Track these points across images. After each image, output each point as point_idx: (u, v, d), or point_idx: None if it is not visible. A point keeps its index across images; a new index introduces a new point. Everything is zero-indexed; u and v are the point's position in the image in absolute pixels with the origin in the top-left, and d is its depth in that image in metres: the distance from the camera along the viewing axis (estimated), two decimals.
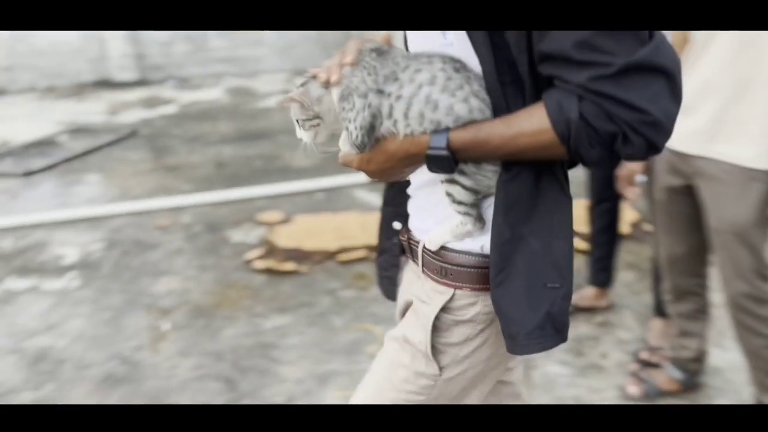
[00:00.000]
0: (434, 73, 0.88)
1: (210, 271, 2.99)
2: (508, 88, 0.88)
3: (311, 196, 3.85)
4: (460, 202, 0.96)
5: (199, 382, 2.18)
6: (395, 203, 1.16)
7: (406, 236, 1.12)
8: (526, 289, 0.93)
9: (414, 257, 1.10)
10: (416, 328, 1.03)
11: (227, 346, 2.39)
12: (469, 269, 1.00)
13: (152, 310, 2.67)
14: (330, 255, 3.06)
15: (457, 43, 0.91)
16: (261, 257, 3.07)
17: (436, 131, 0.89)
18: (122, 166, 4.58)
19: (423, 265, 1.05)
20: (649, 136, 0.80)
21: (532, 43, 0.83)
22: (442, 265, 1.01)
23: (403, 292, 1.17)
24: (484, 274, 0.97)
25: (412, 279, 1.13)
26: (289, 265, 2.96)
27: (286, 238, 3.22)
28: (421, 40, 0.96)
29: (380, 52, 0.93)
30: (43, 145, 5.14)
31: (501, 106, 0.89)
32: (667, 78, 0.79)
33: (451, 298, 1.00)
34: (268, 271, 2.95)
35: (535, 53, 0.83)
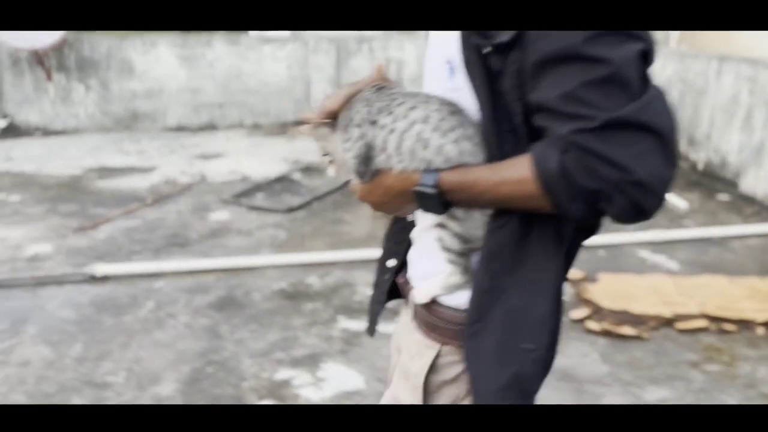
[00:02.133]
0: (429, 112, 0.89)
1: None
2: (505, 136, 0.87)
3: (594, 252, 3.76)
4: (448, 249, 0.95)
5: None
6: (396, 240, 1.16)
7: (403, 280, 1.11)
8: (498, 345, 0.90)
9: (408, 302, 1.09)
10: (405, 390, 1.02)
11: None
12: (455, 326, 0.98)
13: None
14: (665, 321, 2.94)
15: (463, 87, 0.90)
16: (588, 317, 2.99)
17: (427, 170, 0.90)
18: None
19: (414, 315, 1.05)
20: (633, 197, 0.75)
21: (525, 93, 0.82)
22: (429, 319, 1.01)
23: (397, 339, 1.16)
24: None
25: (405, 325, 1.11)
26: (627, 329, 2.87)
27: (604, 298, 3.13)
28: (431, 85, 0.97)
29: (379, 87, 0.96)
30: (284, 182, 5.34)
31: (497, 155, 0.88)
32: (655, 137, 0.75)
33: (438, 354, 0.99)
34: (606, 334, 2.86)
35: (528, 103, 0.82)
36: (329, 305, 3.19)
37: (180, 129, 7.29)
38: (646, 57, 0.79)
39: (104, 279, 3.46)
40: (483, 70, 0.86)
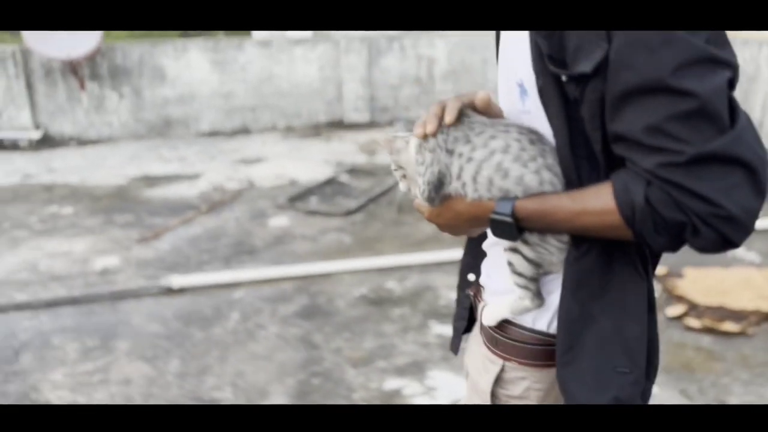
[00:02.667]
0: (509, 141, 0.87)
1: None
2: (582, 162, 0.85)
3: None
4: (519, 274, 0.94)
5: None
6: (473, 254, 1.14)
7: (474, 291, 1.11)
8: (595, 371, 0.89)
9: (477, 315, 1.08)
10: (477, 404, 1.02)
11: None
12: (518, 343, 0.98)
13: None
14: (766, 316, 2.90)
15: (534, 111, 0.89)
16: (686, 314, 2.95)
17: (503, 198, 0.88)
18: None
19: (481, 328, 1.05)
20: (722, 230, 0.74)
21: (605, 121, 0.79)
22: (494, 334, 1.01)
23: (469, 355, 1.15)
24: (532, 350, 0.97)
25: (475, 337, 1.11)
26: (730, 326, 2.82)
27: (697, 293, 3.09)
28: (504, 104, 0.95)
29: (462, 114, 0.92)
30: (334, 185, 5.30)
31: (573, 181, 0.86)
32: (746, 170, 0.73)
33: (502, 369, 1.00)
34: (708, 330, 2.82)
35: (608, 132, 0.80)
36: (416, 310, 3.15)
37: (214, 134, 7.26)
38: (732, 83, 0.76)
39: (181, 291, 3.42)
40: (560, 97, 0.83)
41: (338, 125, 7.43)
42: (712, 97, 0.73)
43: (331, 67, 7.36)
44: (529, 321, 0.97)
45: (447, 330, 2.94)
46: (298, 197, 4.93)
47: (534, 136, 0.89)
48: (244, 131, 7.34)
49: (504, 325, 1.00)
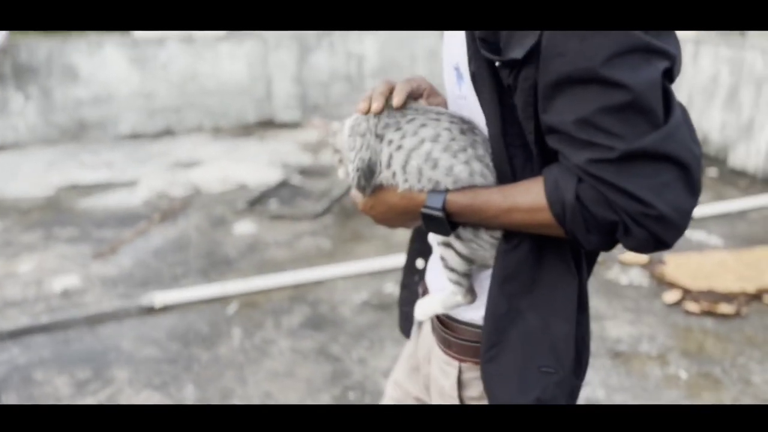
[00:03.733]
0: (439, 131, 0.85)
1: (648, 315, 3.01)
2: (516, 152, 0.82)
3: None
4: (452, 269, 0.92)
5: None
6: (421, 240, 1.13)
7: (423, 288, 1.10)
8: (518, 369, 0.86)
9: None
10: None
11: None
12: (471, 343, 0.95)
13: (618, 355, 2.68)
14: (752, 296, 3.10)
15: (470, 96, 0.86)
16: (683, 299, 3.10)
17: (434, 191, 0.86)
18: None
19: (432, 328, 1.03)
20: (653, 230, 0.71)
21: (538, 111, 0.76)
22: (444, 335, 0.98)
23: (422, 345, 1.12)
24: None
25: (429, 336, 1.09)
26: (725, 308, 3.00)
27: (685, 279, 3.25)
28: (446, 89, 0.94)
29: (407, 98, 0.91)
30: (288, 187, 5.11)
31: (506, 172, 0.84)
32: (678, 168, 0.70)
33: (459, 371, 0.97)
34: (706, 314, 2.98)
35: (541, 123, 0.77)
36: None
37: (135, 137, 6.79)
38: (671, 74, 0.73)
39: (165, 309, 3.16)
40: (493, 82, 0.79)
41: (269, 124, 7.19)
42: (645, 91, 0.68)
43: (259, 65, 7.10)
44: (478, 319, 0.94)
45: None
46: (255, 201, 4.71)
47: (465, 126, 0.86)
48: (168, 133, 6.92)
49: (454, 325, 0.97)
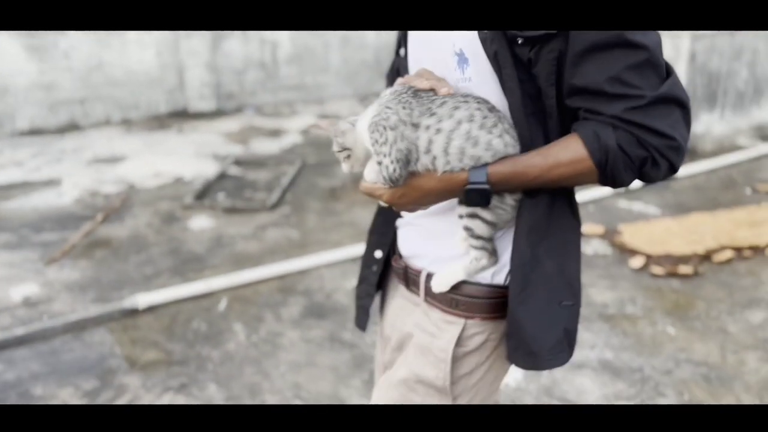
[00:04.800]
0: (471, 111, 0.92)
1: (622, 280, 3.27)
2: (531, 119, 0.94)
3: (585, 208, 4.18)
4: (479, 237, 0.98)
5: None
6: (380, 232, 1.22)
7: (401, 264, 1.14)
8: (545, 307, 0.98)
9: (411, 285, 1.12)
10: (427, 365, 1.04)
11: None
12: (481, 300, 1.03)
13: (604, 318, 2.93)
14: (702, 257, 3.46)
15: (475, 77, 0.96)
16: (647, 264, 3.40)
17: (474, 167, 0.93)
18: (351, 194, 4.58)
19: (426, 295, 1.08)
20: (672, 159, 0.89)
21: (561, 77, 0.90)
22: (452, 296, 1.04)
23: (396, 323, 1.18)
24: (493, 304, 1.03)
25: (407, 308, 1.15)
26: (685, 269, 3.33)
27: (644, 245, 3.57)
28: (442, 75, 1.00)
29: (416, 91, 0.96)
30: (229, 178, 4.96)
31: (525, 137, 0.95)
32: (682, 108, 0.88)
33: (463, 328, 1.04)
34: (671, 275, 3.30)
35: (564, 87, 0.90)
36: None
37: (36, 132, 6.26)
38: None
39: (150, 310, 3.01)
40: (513, 59, 0.91)
41: (183, 115, 6.88)
42: (657, 49, 0.87)
43: (170, 53, 6.77)
44: (488, 278, 1.03)
45: None
46: (202, 195, 4.54)
47: (488, 105, 0.94)
48: (73, 127, 6.43)
49: (460, 286, 1.03)
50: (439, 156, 0.92)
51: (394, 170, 0.93)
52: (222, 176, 4.98)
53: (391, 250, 1.22)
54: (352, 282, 3.27)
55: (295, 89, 7.55)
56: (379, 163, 0.94)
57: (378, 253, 1.21)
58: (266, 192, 4.63)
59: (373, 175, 0.98)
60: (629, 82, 0.86)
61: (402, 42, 1.14)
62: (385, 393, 1.10)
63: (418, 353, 1.07)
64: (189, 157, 5.47)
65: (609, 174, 0.91)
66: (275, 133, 6.27)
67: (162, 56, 6.74)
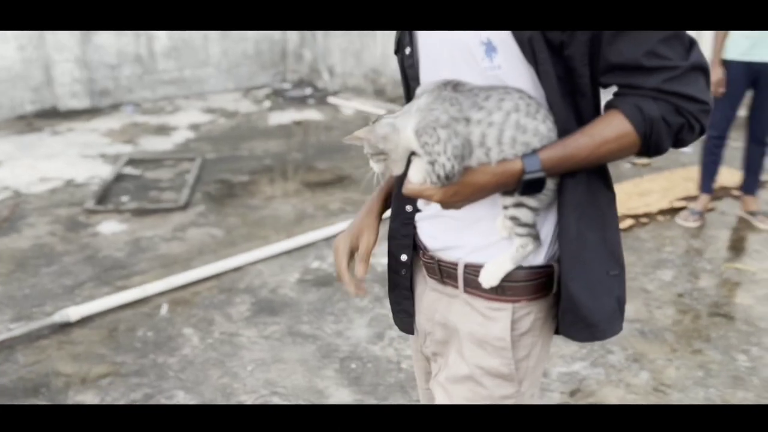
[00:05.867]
0: (515, 100, 0.95)
1: None
2: (566, 99, 0.97)
3: None
4: (525, 224, 1.00)
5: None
6: (400, 236, 1.20)
7: (432, 258, 1.13)
8: (597, 280, 1.02)
9: (446, 278, 1.12)
10: (487, 356, 1.06)
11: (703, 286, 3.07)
12: (526, 283, 1.04)
13: None
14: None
15: (505, 65, 0.97)
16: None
17: (526, 156, 0.95)
18: (260, 187, 4.48)
19: (466, 286, 1.08)
20: (703, 122, 0.95)
21: (595, 57, 0.94)
22: (499, 284, 1.04)
23: (434, 316, 1.17)
24: (536, 285, 1.05)
25: (443, 300, 1.14)
26: (628, 221, 3.66)
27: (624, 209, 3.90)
28: (454, 71, 1.00)
29: (455, 85, 0.97)
30: (129, 179, 4.67)
31: (560, 119, 0.98)
32: (705, 74, 0.94)
33: (512, 314, 1.05)
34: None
35: (600, 64, 0.94)
36: (374, 277, 3.18)
37: None
38: None
39: (83, 322, 2.79)
40: (546, 43, 0.94)
41: (52, 114, 6.33)
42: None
43: (34, 47, 6.19)
44: (529, 260, 1.05)
45: None
46: (103, 198, 4.24)
47: (524, 93, 0.97)
48: None
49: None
50: (493, 147, 0.94)
51: (452, 167, 0.93)
52: (119, 177, 4.68)
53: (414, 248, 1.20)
54: (294, 276, 3.24)
55: (174, 84, 7.21)
56: (433, 163, 0.93)
57: (404, 257, 1.19)
58: (172, 191, 4.41)
59: (419, 176, 0.97)
60: (664, 54, 0.90)
61: (405, 41, 1.11)
62: (451, 391, 1.09)
63: (474, 346, 1.07)
64: (74, 158, 5.07)
65: (652, 144, 0.95)
66: (162, 130, 5.96)
67: (25, 50, 6.15)
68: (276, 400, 2.32)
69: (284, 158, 5.18)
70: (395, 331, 2.72)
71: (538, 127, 0.96)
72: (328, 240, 3.61)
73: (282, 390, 2.38)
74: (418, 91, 1.01)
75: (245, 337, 2.72)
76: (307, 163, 5.07)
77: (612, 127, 0.94)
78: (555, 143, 0.96)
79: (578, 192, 1.00)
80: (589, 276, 1.01)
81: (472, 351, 1.07)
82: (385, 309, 2.91)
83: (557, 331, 1.11)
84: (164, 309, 2.92)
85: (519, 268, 1.03)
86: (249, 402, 2.31)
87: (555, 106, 0.97)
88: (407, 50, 1.11)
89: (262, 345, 2.66)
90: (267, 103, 7.08)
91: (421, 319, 1.21)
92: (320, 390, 2.38)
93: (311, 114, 6.64)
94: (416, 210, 1.17)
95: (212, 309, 2.93)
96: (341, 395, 2.35)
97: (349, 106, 6.87)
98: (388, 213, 1.25)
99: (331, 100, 7.14)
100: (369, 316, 2.87)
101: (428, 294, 1.18)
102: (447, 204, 0.99)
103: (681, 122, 0.93)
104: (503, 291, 1.04)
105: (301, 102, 7.15)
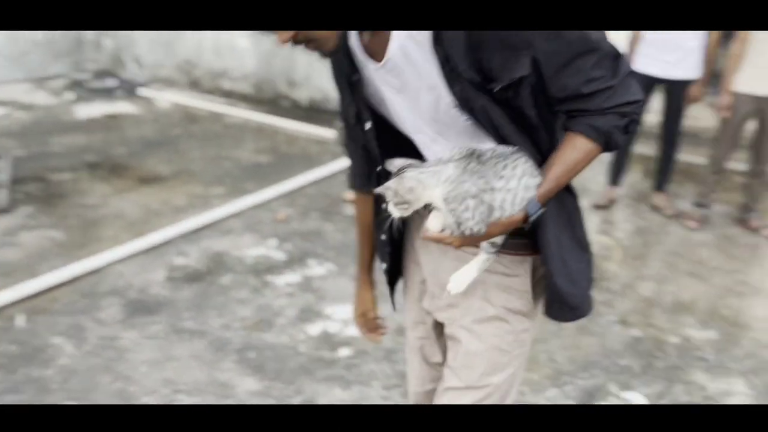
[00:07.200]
0: (523, 166, 1.10)
1: None
2: (522, 135, 1.13)
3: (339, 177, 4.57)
4: (497, 244, 1.17)
5: None
6: (378, 221, 1.40)
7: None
8: (575, 271, 1.23)
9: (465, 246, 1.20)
10: (512, 299, 1.27)
11: None
12: (532, 240, 1.22)
13: None
14: None
15: (473, 119, 1.12)
16: None
17: (528, 204, 1.11)
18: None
19: (500, 250, 1.21)
20: (640, 112, 1.12)
21: (539, 99, 1.09)
22: (516, 242, 1.22)
23: (444, 277, 1.27)
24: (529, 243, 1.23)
25: (464, 259, 1.24)
26: None
27: None
28: (423, 112, 1.16)
29: (478, 156, 1.09)
30: None
31: (523, 147, 1.12)
32: (633, 75, 1.10)
33: (532, 265, 1.26)
34: None
35: (552, 100, 1.10)
36: (239, 272, 3.16)
37: None
38: None
39: None
40: (495, 103, 1.09)
41: None
42: (603, 41, 1.06)
43: None
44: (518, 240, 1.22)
45: (291, 275, 3.13)
46: None
47: (527, 155, 1.11)
48: None
49: (511, 242, 1.21)
50: (508, 209, 1.09)
51: (479, 230, 1.08)
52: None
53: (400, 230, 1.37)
54: (160, 274, 3.11)
55: None
56: (459, 224, 1.07)
57: (383, 237, 1.38)
58: None
59: (438, 226, 1.11)
60: (598, 77, 1.05)
61: (365, 115, 1.24)
62: (479, 330, 1.28)
63: (500, 292, 1.27)
64: None
65: (612, 146, 1.12)
66: None
67: None
68: (182, 397, 2.26)
69: (107, 153, 4.84)
70: (284, 319, 2.77)
71: (537, 181, 1.11)
72: (185, 236, 3.50)
73: (184, 387, 2.32)
74: (445, 156, 1.11)
75: (127, 339, 2.58)
76: (134, 158, 4.79)
77: (578, 150, 1.11)
78: (542, 182, 1.11)
79: (551, 205, 1.15)
80: (569, 270, 1.21)
81: (498, 295, 1.26)
82: (267, 298, 2.94)
83: (546, 314, 1.29)
84: (21, 320, 2.64)
85: (514, 241, 1.20)
86: (153, 402, 2.22)
87: (515, 142, 1.11)
88: (367, 125, 1.23)
89: (147, 345, 2.55)
90: (69, 95, 6.48)
91: (428, 279, 1.36)
92: (223, 382, 2.36)
93: (123, 107, 6.22)
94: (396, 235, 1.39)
95: (78, 314, 2.72)
96: (247, 385, 2.35)
97: (163, 98, 6.55)
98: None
99: (143, 92, 6.75)
100: (251, 306, 2.87)
101: (439, 260, 1.31)
102: (464, 245, 1.14)
103: (626, 122, 1.10)
104: (526, 247, 1.23)
105: (107, 94, 6.66)
